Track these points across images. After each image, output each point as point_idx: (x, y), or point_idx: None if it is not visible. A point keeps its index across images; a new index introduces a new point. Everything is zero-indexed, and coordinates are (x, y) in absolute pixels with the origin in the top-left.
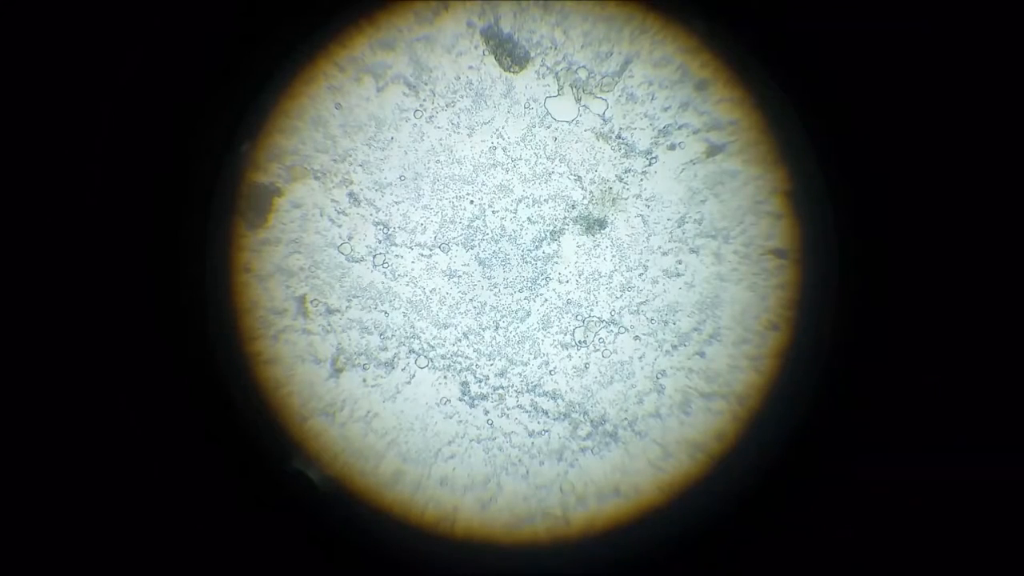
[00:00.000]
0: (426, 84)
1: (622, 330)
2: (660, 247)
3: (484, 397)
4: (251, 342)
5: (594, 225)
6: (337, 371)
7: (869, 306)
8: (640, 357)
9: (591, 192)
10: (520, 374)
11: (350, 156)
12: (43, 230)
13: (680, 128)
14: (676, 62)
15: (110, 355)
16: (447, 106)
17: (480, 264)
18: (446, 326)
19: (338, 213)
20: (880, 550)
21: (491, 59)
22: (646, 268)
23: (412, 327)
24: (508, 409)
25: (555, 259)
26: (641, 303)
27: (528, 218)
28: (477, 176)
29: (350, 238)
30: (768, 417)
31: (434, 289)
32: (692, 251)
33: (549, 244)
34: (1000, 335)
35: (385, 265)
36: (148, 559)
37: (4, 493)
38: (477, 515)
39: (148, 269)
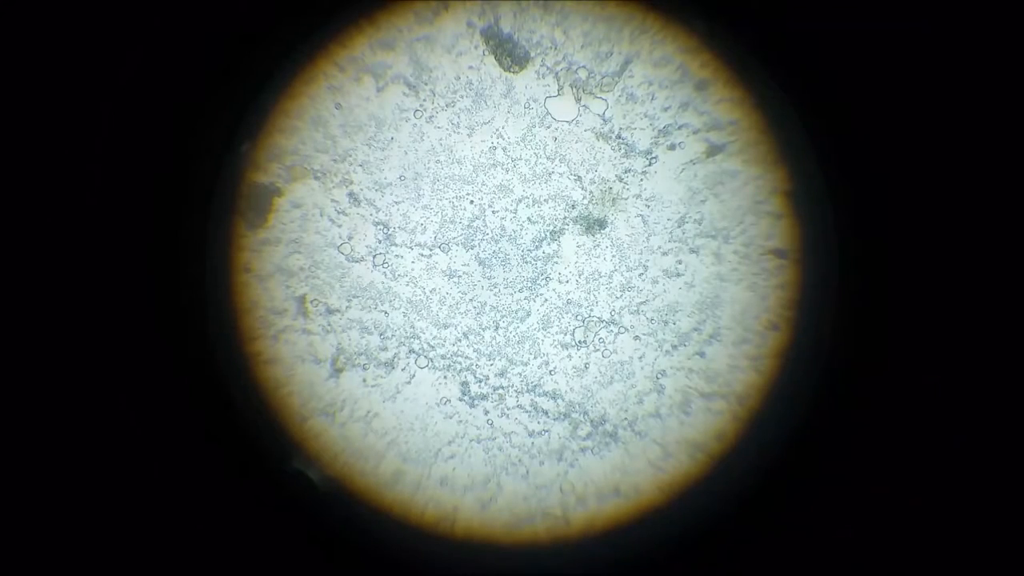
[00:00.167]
0: (426, 84)
1: (622, 330)
2: (660, 247)
3: (484, 397)
4: (251, 342)
5: (594, 225)
6: (337, 371)
7: (869, 306)
8: (640, 357)
9: (591, 192)
10: (520, 374)
11: (350, 156)
12: (43, 230)
13: (680, 128)
14: (676, 62)
15: (110, 355)
16: (447, 106)
17: (480, 264)
18: (446, 326)
19: (338, 213)
20: (880, 550)
21: (491, 59)
22: (646, 268)
23: (412, 327)
24: (508, 409)
25: (555, 259)
26: (641, 303)
27: (528, 218)
28: (477, 176)
29: (350, 238)
30: (768, 417)
31: (434, 289)
32: (692, 251)
33: (549, 244)
34: (1000, 335)
35: (385, 265)
36: (148, 559)
37: (4, 493)
38: (477, 515)
39: (148, 269)
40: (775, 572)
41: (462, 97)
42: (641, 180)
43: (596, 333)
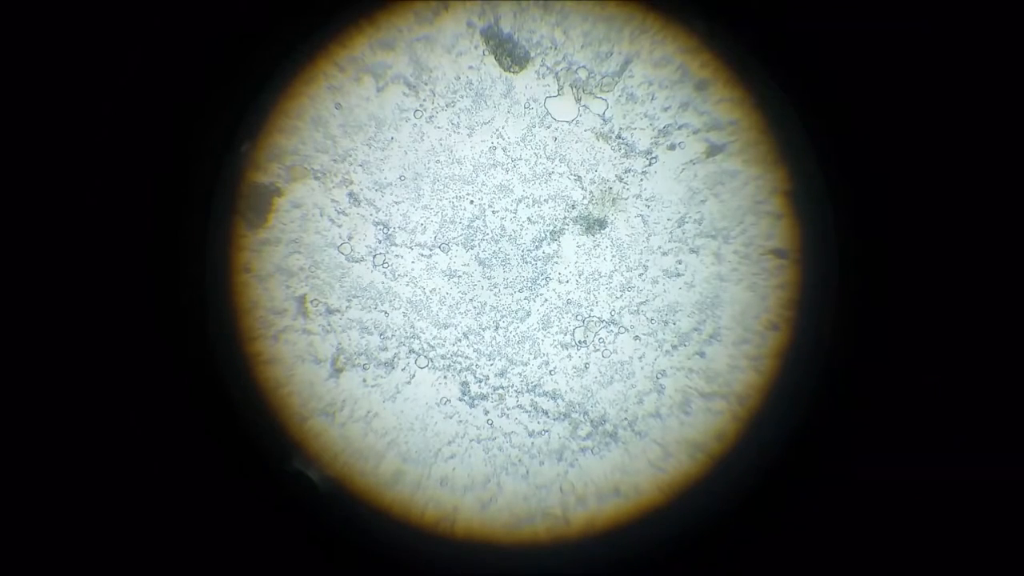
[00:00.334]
0: (426, 84)
1: (622, 330)
2: (660, 247)
3: (484, 397)
4: (251, 342)
5: (594, 225)
6: (337, 371)
7: (869, 306)
8: (640, 357)
9: (591, 192)
10: (520, 374)
11: (350, 156)
12: (43, 230)
13: (680, 128)
14: (676, 62)
15: (110, 355)
16: (447, 106)
17: (480, 264)
18: (446, 326)
19: (338, 213)
20: (880, 550)
21: (491, 59)
22: (646, 268)
23: (412, 327)
24: (508, 409)
25: (555, 259)
26: (641, 303)
27: (528, 218)
28: (477, 176)
29: (350, 238)
30: (768, 417)
31: (434, 289)
32: (692, 251)
33: (549, 244)
34: (1000, 335)
35: (385, 265)
36: (148, 559)
37: (4, 493)
38: (477, 515)
39: (148, 269)
40: (775, 572)
41: (462, 97)
42: (641, 180)
43: (596, 333)
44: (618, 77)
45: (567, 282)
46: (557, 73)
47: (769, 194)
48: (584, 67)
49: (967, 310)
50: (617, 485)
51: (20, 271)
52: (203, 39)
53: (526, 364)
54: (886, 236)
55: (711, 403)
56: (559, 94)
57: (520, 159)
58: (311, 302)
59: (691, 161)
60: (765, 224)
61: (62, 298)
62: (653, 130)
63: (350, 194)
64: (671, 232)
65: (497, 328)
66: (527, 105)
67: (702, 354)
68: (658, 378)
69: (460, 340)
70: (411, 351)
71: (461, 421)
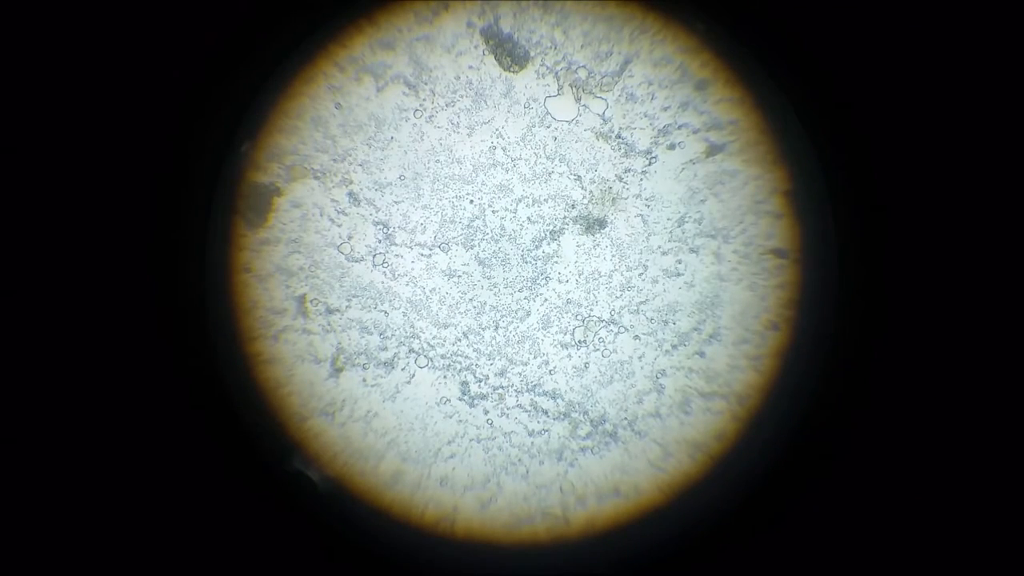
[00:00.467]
0: (426, 84)
1: (622, 330)
2: (660, 247)
3: (484, 397)
4: (251, 342)
5: (594, 225)
6: (337, 371)
7: (869, 305)
8: (640, 357)
9: (591, 192)
10: (520, 374)
11: (350, 156)
12: (43, 230)
13: (680, 128)
14: (676, 62)
15: (110, 355)
16: (447, 106)
17: (480, 264)
18: (446, 326)
19: (338, 213)
20: (880, 550)
21: (491, 59)
22: (646, 268)
23: (412, 327)
24: (508, 409)
25: (555, 259)
26: (641, 303)
27: (528, 218)
28: (477, 176)
29: (350, 238)
30: (768, 417)
31: (434, 289)
32: (692, 251)
33: (549, 244)
34: (1000, 334)
35: (385, 265)
36: (148, 559)
37: (4, 493)
38: (477, 515)
39: (148, 269)
40: (775, 572)
41: (462, 97)
42: (641, 180)
43: (596, 333)
44: (618, 77)
45: (567, 282)
46: (557, 73)
47: (769, 194)
48: (584, 67)
49: (967, 309)
50: (617, 485)
51: (20, 271)
52: (203, 39)
53: (526, 364)
54: (886, 235)
55: (711, 403)
56: (559, 94)
57: (520, 159)
58: (311, 302)
59: (691, 161)
60: (765, 224)
61: (62, 298)
62: (653, 130)
63: (350, 194)
64: (671, 232)
65: (497, 328)
66: (527, 105)
67: (702, 354)
68: (658, 378)
69: (460, 340)
70: (411, 351)
71: (461, 421)
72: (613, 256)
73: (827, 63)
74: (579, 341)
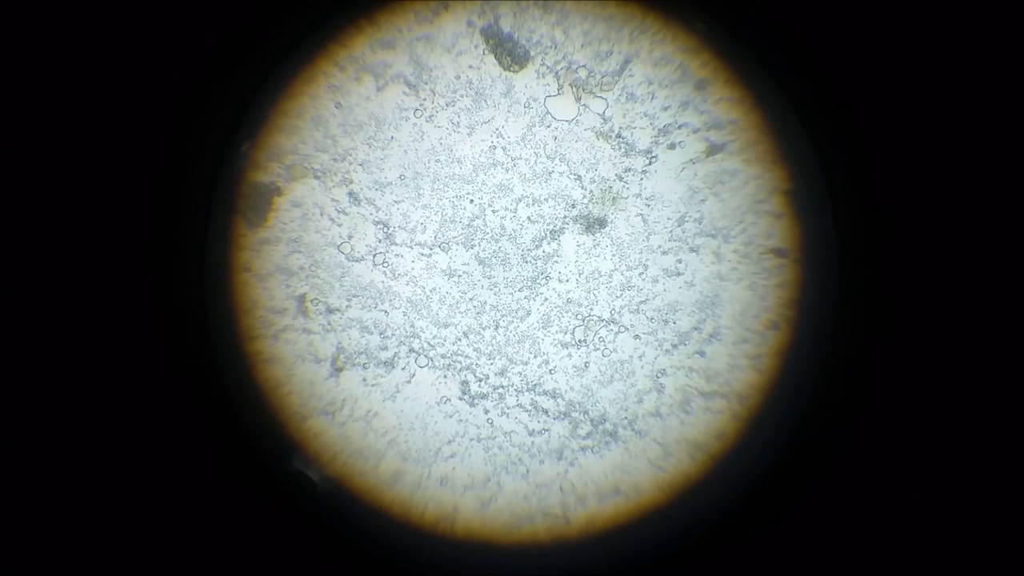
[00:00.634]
0: (426, 83)
1: (622, 329)
2: (660, 246)
3: (484, 396)
4: (251, 341)
5: (594, 224)
6: (337, 370)
7: (869, 305)
8: (640, 356)
9: (591, 191)
10: (520, 373)
11: (350, 155)
12: (43, 230)
13: (680, 127)
14: (676, 61)
15: (110, 355)
16: (447, 105)
17: (480, 263)
18: (446, 325)
19: (338, 212)
20: (880, 550)
21: (491, 58)
22: (646, 267)
23: (412, 326)
24: (508, 408)
25: (555, 258)
26: (641, 302)
27: (528, 217)
28: (477, 175)
29: (350, 237)
30: (768, 416)
31: (434, 288)
32: (692, 250)
33: (549, 243)
34: (1000, 333)
35: (385, 264)
36: (148, 559)
37: (4, 493)
38: (477, 514)
39: (148, 268)
40: (775, 572)
41: (462, 96)
42: (641, 179)
43: (596, 332)
44: (618, 76)
45: (567, 281)
46: (557, 72)
47: (769, 193)
48: (584, 66)
49: (967, 308)
50: (617, 484)
51: (20, 271)
52: (203, 38)
53: (526, 363)
54: (886, 235)
55: (711, 402)
56: (559, 93)
57: (520, 158)
58: (311, 301)
59: (691, 160)
60: (765, 223)
61: (62, 297)
62: (653, 129)
63: (350, 193)
64: (671, 231)
65: (497, 327)
66: (527, 104)
67: (702, 353)
68: (658, 377)
69: (460, 339)
70: (411, 350)
71: (461, 420)
72: (613, 255)
73: (827, 63)
74: (579, 340)
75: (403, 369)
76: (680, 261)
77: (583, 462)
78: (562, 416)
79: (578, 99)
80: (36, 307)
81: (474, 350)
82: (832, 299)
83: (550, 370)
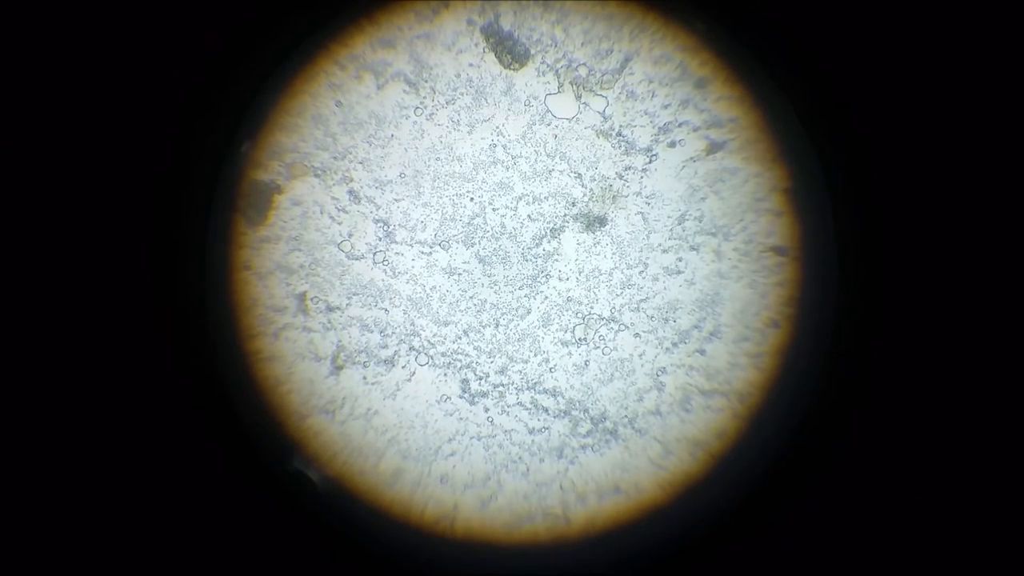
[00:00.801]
0: (426, 81)
1: (622, 327)
2: (660, 244)
3: (484, 394)
4: (251, 340)
5: (594, 222)
6: (337, 369)
7: (869, 303)
8: (640, 354)
9: (591, 189)
10: (520, 371)
11: (350, 153)
12: (43, 230)
13: (680, 125)
14: (676, 60)
15: (110, 354)
16: (447, 103)
17: (480, 261)
18: (446, 323)
19: (338, 211)
20: (880, 549)
21: (491, 56)
22: (646, 265)
23: (412, 324)
24: (508, 406)
25: (555, 256)
26: (641, 300)
27: (528, 215)
28: (477, 173)
29: (350, 235)
30: (769, 415)
31: (434, 287)
32: (692, 248)
33: (549, 241)
34: (1000, 332)
35: (385, 263)
36: (148, 559)
37: (4, 493)
38: (477, 513)
39: (148, 267)
40: (776, 572)
41: (462, 94)
42: (641, 177)
43: (596, 330)
44: (618, 74)
45: (567, 279)
46: (557, 70)
47: (769, 191)
48: (584, 64)
49: (967, 307)
50: (617, 483)
51: (20, 271)
52: (204, 37)
53: (526, 361)
54: (886, 233)
55: (711, 401)
56: (559, 91)
57: (520, 156)
58: (311, 299)
59: (691, 158)
60: (765, 221)
61: (62, 298)
62: (653, 127)
63: (350, 191)
64: (671, 229)
65: (497, 325)
66: (527, 102)
67: (702, 351)
68: (658, 375)
69: (460, 337)
70: (411, 348)
71: (461, 419)
72: (613, 254)
73: (826, 60)
74: (579, 339)
75: (403, 367)
76: (680, 259)
77: (583, 460)
78: (562, 414)
79: (578, 97)
80: (36, 307)
81: (474, 348)
82: (832, 297)
83: (550, 368)
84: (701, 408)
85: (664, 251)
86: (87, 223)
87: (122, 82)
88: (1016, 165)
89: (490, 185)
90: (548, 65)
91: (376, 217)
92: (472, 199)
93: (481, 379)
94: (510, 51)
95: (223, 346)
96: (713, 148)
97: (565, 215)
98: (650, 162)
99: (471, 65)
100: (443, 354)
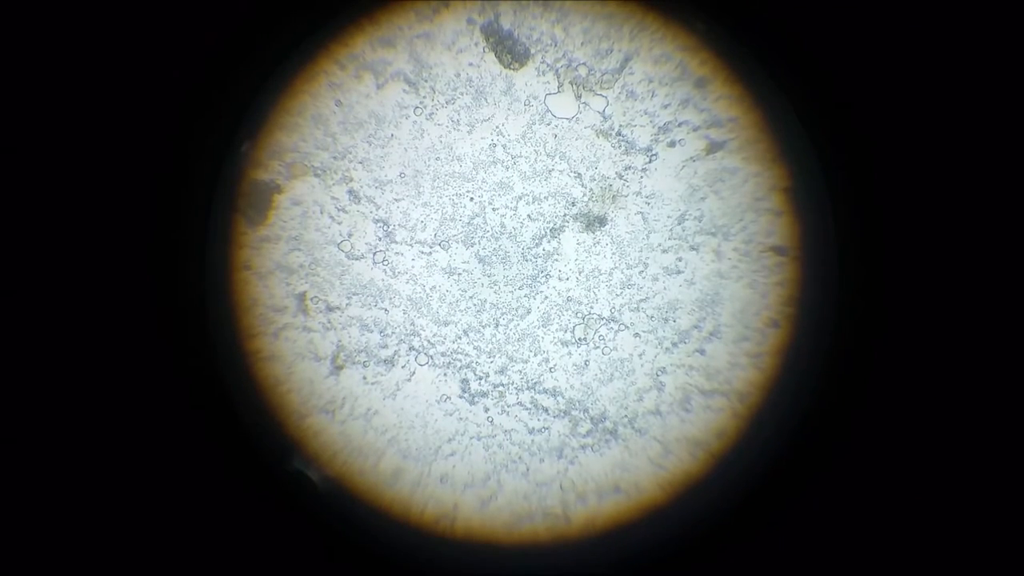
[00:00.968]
0: (426, 81)
1: (622, 327)
2: (660, 244)
3: (484, 394)
4: (251, 339)
5: (594, 222)
6: (337, 368)
7: (869, 302)
8: (640, 354)
9: (591, 189)
10: (520, 371)
11: (350, 153)
12: (43, 230)
13: (680, 125)
14: (676, 59)
15: (110, 354)
16: (447, 103)
17: (480, 261)
18: (446, 323)
19: (338, 210)
20: (881, 548)
21: (491, 56)
22: (646, 265)
23: (412, 324)
24: (508, 406)
25: (555, 256)
26: (641, 300)
27: (528, 215)
28: (477, 173)
29: (350, 235)
30: (768, 414)
31: (434, 286)
32: (692, 248)
33: (549, 241)
34: (1000, 331)
35: (385, 262)
36: (148, 559)
37: (4, 493)
38: (477, 513)
39: (148, 267)
40: (776, 571)
41: (462, 94)
42: (641, 177)
43: (596, 330)
44: (618, 74)
45: (567, 279)
46: (557, 70)
47: (769, 191)
48: (584, 64)
49: (967, 306)
50: (617, 483)
51: (20, 271)
52: (203, 38)
53: (526, 361)
54: (886, 232)
55: (711, 400)
56: (559, 91)
57: (520, 156)
58: (311, 299)
59: (691, 158)
60: (765, 221)
61: (62, 298)
62: (653, 127)
63: (350, 191)
64: (671, 229)
65: (497, 325)
66: (527, 102)
67: (702, 351)
68: (658, 375)
69: (460, 337)
70: (411, 348)
71: (461, 418)
72: (613, 254)
73: (826, 62)
74: (579, 339)
75: (403, 367)
76: (680, 259)
77: (583, 460)
78: (562, 414)
79: (578, 97)
80: (36, 307)
81: (474, 348)
82: (832, 297)
83: (550, 368)
84: (701, 408)
85: (664, 251)
86: (87, 223)
87: (122, 82)
88: (1016, 165)
89: (490, 185)
90: (548, 65)
91: (376, 217)
92: (472, 199)
93: (481, 379)
94: (510, 50)
95: (223, 346)
96: (713, 148)
97: (565, 215)
98: (650, 162)
99: (471, 65)
100: (443, 354)
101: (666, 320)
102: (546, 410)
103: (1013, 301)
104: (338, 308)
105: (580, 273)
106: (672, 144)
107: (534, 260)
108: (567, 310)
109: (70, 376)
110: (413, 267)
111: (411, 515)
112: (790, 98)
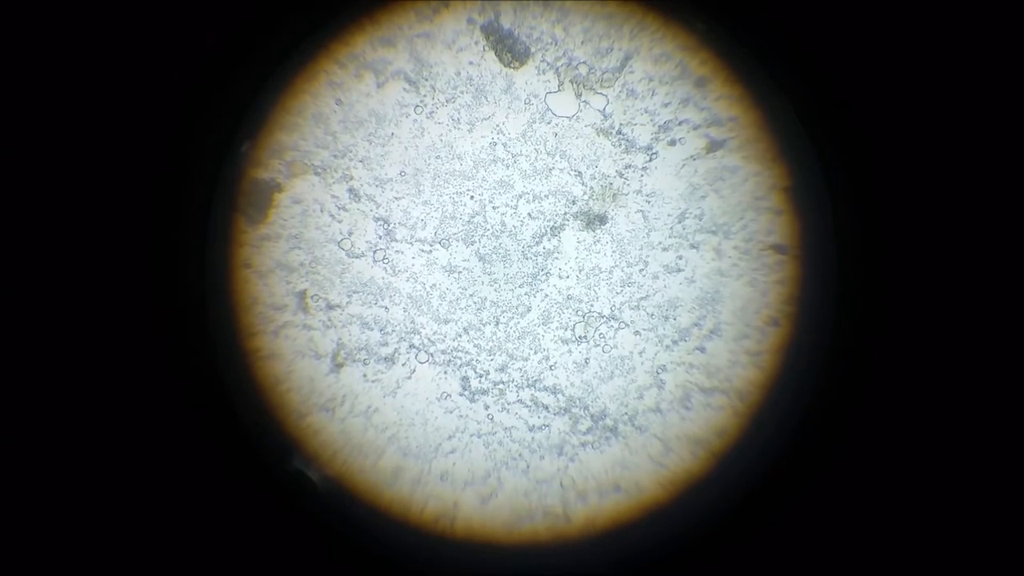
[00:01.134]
0: (426, 80)
1: (622, 325)
2: (660, 243)
3: (484, 392)
4: (251, 338)
5: (594, 221)
6: (337, 366)
7: (869, 301)
8: (640, 352)
9: (591, 188)
10: (520, 369)
11: (350, 152)
12: (43, 230)
13: (680, 124)
14: (676, 58)
15: (110, 353)
16: (447, 102)
17: (480, 260)
18: (446, 321)
19: (338, 209)
20: (881, 548)
21: (491, 55)
22: (646, 264)
23: (412, 322)
24: (508, 404)
25: (555, 255)
26: (641, 298)
27: (528, 214)
28: (477, 172)
29: (350, 234)
30: (769, 413)
31: (434, 285)
32: (692, 247)
33: (549, 240)
34: (1000, 329)
35: (385, 261)
36: (148, 559)
37: (4, 493)
38: (477, 511)
39: (148, 266)
40: (776, 571)
41: (462, 93)
42: (641, 176)
43: (596, 328)
44: (618, 73)
45: (567, 277)
46: (557, 69)
47: (769, 190)
48: (584, 63)
49: (967, 305)
50: (618, 480)
51: (20, 271)
52: (204, 36)
53: (526, 359)
54: (886, 231)
55: (712, 398)
56: (559, 90)
57: (520, 155)
58: (311, 298)
59: (691, 157)
60: (765, 220)
61: (62, 297)
62: (653, 126)
63: (350, 190)
64: (671, 228)
65: (497, 323)
66: (527, 101)
67: (702, 349)
68: (658, 373)
69: (460, 335)
70: (411, 346)
71: (461, 416)
72: (614, 252)
73: (826, 61)
74: (579, 337)
75: (403, 365)
76: (680, 257)
77: (583, 458)
78: (562, 412)
79: (578, 95)
80: (36, 307)
81: (474, 346)
82: (832, 295)
83: (550, 366)
84: (701, 406)
85: (664, 249)
86: (87, 223)
87: (122, 82)
88: (1016, 165)
89: (490, 183)
90: (548, 63)
91: (376, 215)
92: (472, 197)
93: (481, 376)
94: (510, 49)
95: (223, 345)
96: (713, 146)
97: (565, 213)
98: (650, 160)
99: (471, 63)
100: (443, 352)
101: (666, 318)
102: (546, 407)
103: (1013, 300)
104: (338, 306)
105: (580, 271)
106: (672, 143)
107: (534, 258)
108: (567, 308)
109: (70, 375)
110: (413, 265)
111: (411, 513)
112: (790, 98)
